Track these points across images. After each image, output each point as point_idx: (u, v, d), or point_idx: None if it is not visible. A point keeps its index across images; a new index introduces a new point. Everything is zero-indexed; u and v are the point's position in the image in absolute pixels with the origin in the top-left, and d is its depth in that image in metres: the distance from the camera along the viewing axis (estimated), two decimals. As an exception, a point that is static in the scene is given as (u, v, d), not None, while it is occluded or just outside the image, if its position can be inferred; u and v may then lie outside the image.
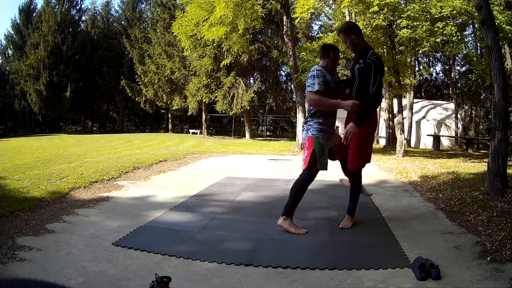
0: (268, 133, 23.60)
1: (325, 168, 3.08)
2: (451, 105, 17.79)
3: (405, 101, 14.61)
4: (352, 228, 3.00)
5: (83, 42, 26.64)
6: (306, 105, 3.34)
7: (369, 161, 3.22)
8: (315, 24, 27.51)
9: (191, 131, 22.37)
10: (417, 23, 7.64)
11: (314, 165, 3.02)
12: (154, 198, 4.07)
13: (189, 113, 19.86)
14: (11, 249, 2.44)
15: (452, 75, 21.23)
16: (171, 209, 3.57)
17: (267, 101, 24.39)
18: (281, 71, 25.62)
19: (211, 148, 10.47)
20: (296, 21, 9.69)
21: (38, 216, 3.22)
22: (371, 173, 5.94)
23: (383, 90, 15.65)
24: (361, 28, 8.04)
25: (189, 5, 9.91)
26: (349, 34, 2.99)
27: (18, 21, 26.34)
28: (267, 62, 21.44)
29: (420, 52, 8.87)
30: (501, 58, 3.83)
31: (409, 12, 7.68)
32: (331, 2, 12.77)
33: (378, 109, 3.30)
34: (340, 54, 3.69)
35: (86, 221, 3.14)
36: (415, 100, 16.99)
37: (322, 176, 5.39)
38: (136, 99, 23.00)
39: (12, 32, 26.58)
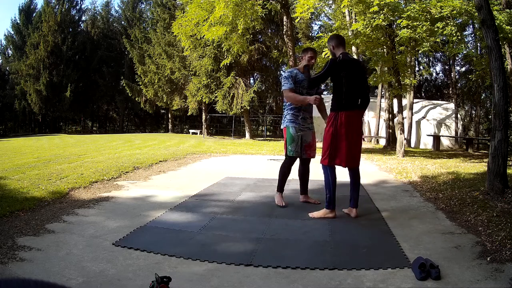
0: (268, 133, 23.60)
1: (296, 155, 3.66)
2: (451, 105, 17.81)
3: (405, 101, 14.62)
4: (352, 228, 3.00)
5: (83, 42, 26.65)
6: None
7: (341, 163, 3.25)
8: (315, 24, 27.59)
9: (191, 131, 22.37)
10: (417, 23, 7.64)
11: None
12: (154, 198, 4.07)
13: (189, 113, 19.86)
14: (11, 249, 2.44)
15: (452, 75, 21.24)
16: (171, 209, 3.57)
17: (267, 101, 24.38)
18: (281, 71, 25.61)
19: (211, 148, 10.46)
20: (296, 21, 9.69)
21: (38, 216, 3.22)
22: (371, 173, 5.94)
23: (383, 90, 15.68)
24: (361, 28, 8.13)
25: (189, 5, 9.91)
26: (328, 43, 3.41)
27: (18, 21, 26.35)
28: (267, 62, 21.43)
29: (420, 52, 8.87)
30: (501, 58, 3.83)
31: (409, 12, 7.68)
32: (331, 2, 12.78)
33: (359, 112, 3.33)
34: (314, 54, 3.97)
35: (86, 221, 3.14)
36: (415, 100, 17.00)
37: (322, 176, 5.39)
38: (136, 99, 23.00)
39: (12, 32, 26.59)
